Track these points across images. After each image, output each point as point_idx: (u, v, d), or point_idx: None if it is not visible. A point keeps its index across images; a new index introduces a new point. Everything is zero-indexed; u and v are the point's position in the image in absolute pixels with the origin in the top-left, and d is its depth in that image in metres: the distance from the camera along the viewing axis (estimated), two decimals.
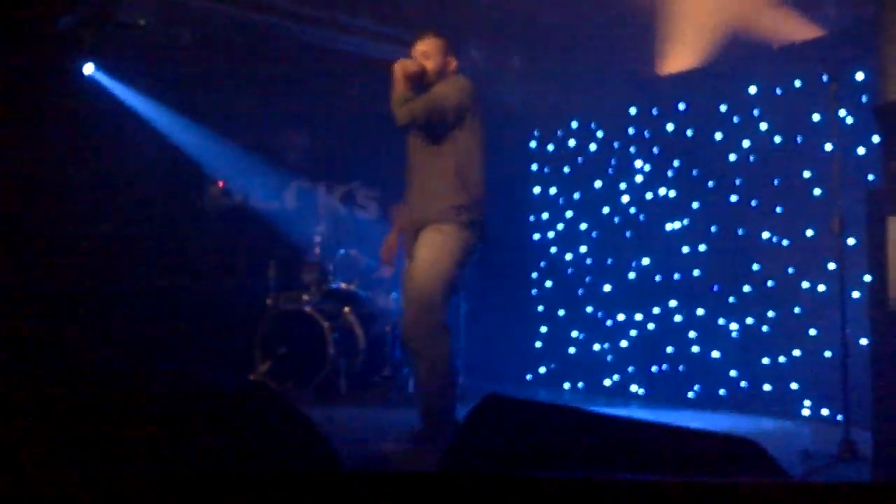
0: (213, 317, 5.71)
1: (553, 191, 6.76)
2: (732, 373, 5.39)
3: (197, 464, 1.91)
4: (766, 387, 5.19)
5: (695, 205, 5.71)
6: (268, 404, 2.17)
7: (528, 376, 6.78)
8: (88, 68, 5.54)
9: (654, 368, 5.90)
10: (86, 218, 5.49)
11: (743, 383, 5.34)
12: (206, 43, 5.75)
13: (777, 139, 5.25)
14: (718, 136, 5.58)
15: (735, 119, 5.50)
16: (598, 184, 6.38)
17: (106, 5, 5.15)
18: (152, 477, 1.20)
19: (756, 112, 5.37)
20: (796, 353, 5.04)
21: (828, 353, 4.77)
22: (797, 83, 5.15)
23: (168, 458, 1.92)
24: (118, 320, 5.36)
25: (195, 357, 5.40)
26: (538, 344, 6.77)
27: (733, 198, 5.47)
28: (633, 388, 6.03)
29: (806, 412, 4.97)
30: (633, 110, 6.20)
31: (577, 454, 1.34)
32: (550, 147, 6.84)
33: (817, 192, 4.96)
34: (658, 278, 5.91)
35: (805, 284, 5.01)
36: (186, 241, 6.01)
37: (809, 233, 5.01)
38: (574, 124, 6.63)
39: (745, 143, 5.42)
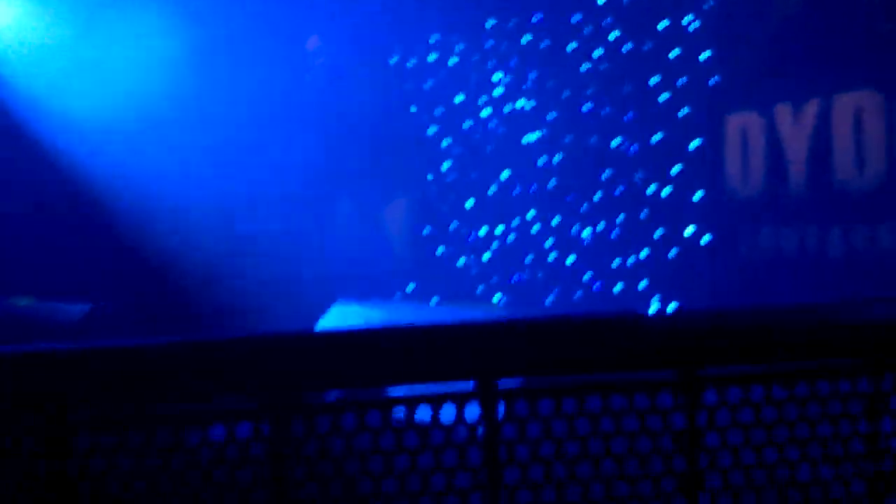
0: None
1: (413, 108, 6.69)
2: (586, 276, 5.66)
3: None
4: (618, 287, 5.49)
5: (550, 116, 5.83)
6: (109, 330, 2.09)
7: (398, 294, 6.83)
8: None
9: (514, 278, 6.10)
10: None
11: (596, 285, 5.63)
12: None
13: (626, 47, 5.40)
14: (572, 46, 5.68)
15: (587, 30, 5.59)
16: (458, 98, 6.37)
17: None
18: None
19: (607, 20, 5.48)
20: (644, 253, 5.34)
21: (673, 252, 5.08)
22: None
23: None
24: None
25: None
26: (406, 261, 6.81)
27: (586, 107, 5.62)
28: (496, 297, 6.22)
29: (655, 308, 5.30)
30: (490, 22, 6.18)
31: None
32: (411, 62, 6.73)
33: (664, 97, 5.17)
34: (517, 191, 6.05)
35: (651, 188, 5.27)
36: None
37: (656, 138, 5.24)
38: (433, 38, 6.54)
39: (597, 53, 5.54)
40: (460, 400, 1.33)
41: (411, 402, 1.31)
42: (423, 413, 1.32)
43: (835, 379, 1.30)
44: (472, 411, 1.33)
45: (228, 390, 1.31)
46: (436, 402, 1.31)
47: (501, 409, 1.29)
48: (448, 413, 1.32)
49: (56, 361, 1.25)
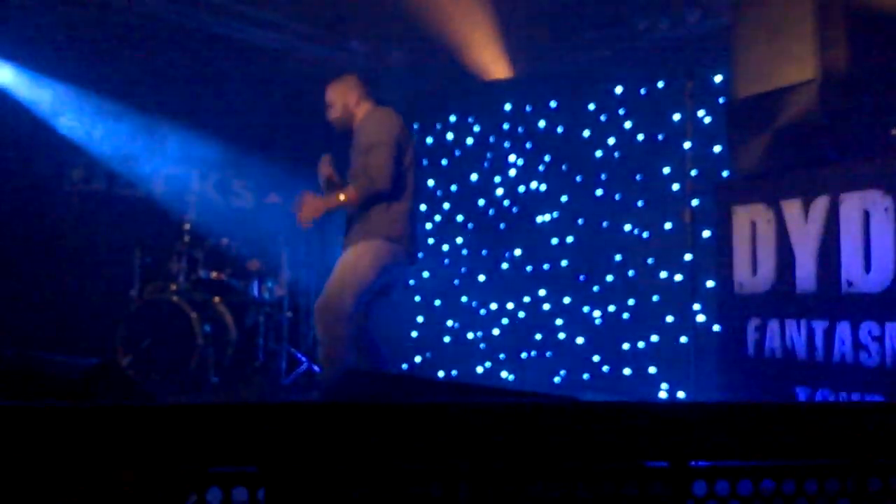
0: (72, 307, 5.42)
1: (431, 183, 6.84)
2: (595, 358, 5.65)
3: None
4: (627, 371, 5.47)
5: (563, 198, 5.94)
6: (117, 386, 2.11)
7: (405, 366, 6.82)
8: None
9: (523, 355, 6.10)
10: None
11: (605, 367, 5.61)
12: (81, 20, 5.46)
13: (640, 137, 5.54)
14: (586, 133, 5.83)
15: (602, 117, 5.76)
16: (473, 177, 6.52)
17: None
18: None
19: (621, 111, 5.64)
20: (654, 338, 5.35)
21: (683, 339, 5.08)
22: (660, 84, 5.45)
23: None
24: None
25: (52, 349, 5.09)
26: (414, 333, 6.84)
27: (598, 192, 5.73)
28: (504, 374, 6.21)
29: (663, 395, 5.27)
30: (507, 107, 6.37)
31: None
32: (429, 140, 6.92)
33: (675, 187, 5.27)
34: (529, 268, 6.11)
35: (663, 274, 5.32)
36: (45, 227, 5.67)
37: (668, 226, 5.31)
38: (452, 118, 6.74)
39: (611, 141, 5.69)
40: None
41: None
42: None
43: (823, 477, 1.31)
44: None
45: (228, 458, 1.32)
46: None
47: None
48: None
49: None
